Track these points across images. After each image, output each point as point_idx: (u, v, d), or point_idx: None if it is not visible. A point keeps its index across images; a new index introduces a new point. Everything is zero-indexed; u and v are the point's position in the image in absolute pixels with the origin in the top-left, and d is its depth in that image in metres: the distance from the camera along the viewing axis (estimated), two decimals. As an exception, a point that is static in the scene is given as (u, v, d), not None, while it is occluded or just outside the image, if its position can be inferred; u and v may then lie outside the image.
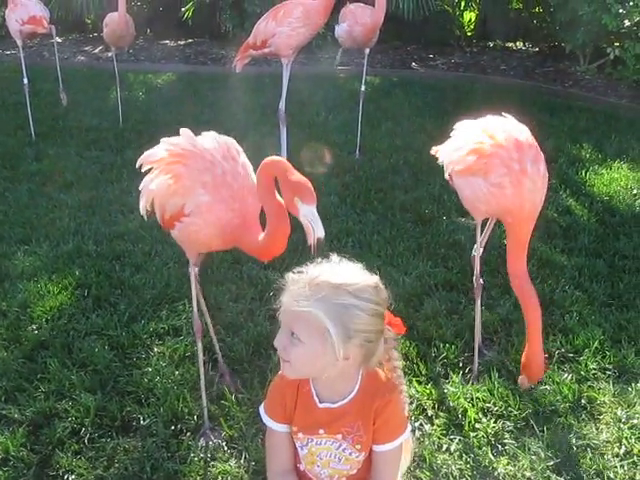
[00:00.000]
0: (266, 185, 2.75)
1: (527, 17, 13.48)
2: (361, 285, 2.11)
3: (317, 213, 2.53)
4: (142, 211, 3.31)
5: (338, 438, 2.28)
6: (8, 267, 4.95)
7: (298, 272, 2.13)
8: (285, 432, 2.34)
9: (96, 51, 13.26)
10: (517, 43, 13.92)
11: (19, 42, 7.86)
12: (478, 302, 3.84)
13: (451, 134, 3.74)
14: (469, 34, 14.27)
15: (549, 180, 3.44)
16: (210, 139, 3.21)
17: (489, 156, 3.32)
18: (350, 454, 2.29)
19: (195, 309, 3.43)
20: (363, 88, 7.35)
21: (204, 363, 3.83)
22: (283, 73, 6.24)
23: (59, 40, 13.88)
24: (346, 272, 2.13)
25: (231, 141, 3.22)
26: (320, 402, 2.27)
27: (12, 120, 8.69)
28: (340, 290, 2.06)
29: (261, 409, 2.37)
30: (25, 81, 7.79)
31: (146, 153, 3.29)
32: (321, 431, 2.28)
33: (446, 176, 3.74)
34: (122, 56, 12.50)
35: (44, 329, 4.21)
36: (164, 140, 3.26)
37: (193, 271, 3.36)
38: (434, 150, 3.90)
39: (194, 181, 3.05)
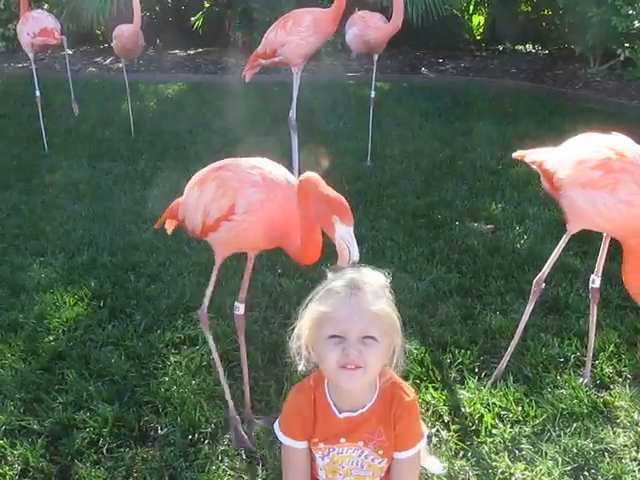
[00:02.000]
0: (304, 202, 2.71)
1: (536, 20, 13.49)
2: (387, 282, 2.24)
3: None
4: (179, 219, 3.36)
5: (360, 445, 2.29)
6: (24, 279, 4.98)
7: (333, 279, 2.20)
8: (303, 448, 2.34)
9: (107, 62, 13.35)
10: (527, 46, 13.94)
11: (31, 55, 7.95)
12: (530, 306, 3.81)
13: (563, 144, 3.64)
14: (478, 38, 14.29)
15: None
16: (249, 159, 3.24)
17: (618, 172, 3.29)
18: (372, 460, 2.31)
19: (205, 304, 3.44)
20: (373, 94, 7.38)
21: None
22: (293, 81, 6.27)
23: (70, 52, 13.99)
24: (373, 270, 2.25)
25: (269, 160, 3.24)
26: (340, 412, 2.28)
27: (25, 133, 8.78)
28: (386, 289, 2.20)
29: (276, 427, 2.37)
30: (37, 94, 7.89)
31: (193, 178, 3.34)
32: (342, 440, 2.29)
33: (544, 185, 3.68)
34: (133, 67, 12.57)
35: (61, 340, 4.24)
36: None
37: (216, 270, 3.36)
38: (518, 154, 3.84)
39: (242, 182, 3.07)
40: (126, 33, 7.97)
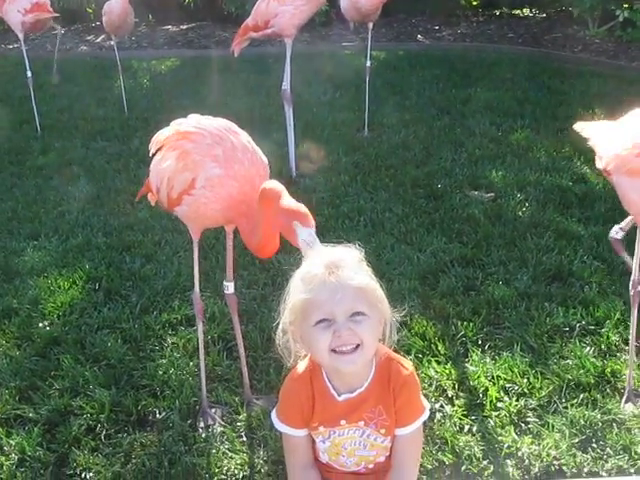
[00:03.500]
0: (265, 208, 2.70)
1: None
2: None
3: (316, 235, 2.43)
4: (153, 191, 3.28)
5: (360, 425, 2.23)
6: (18, 264, 4.90)
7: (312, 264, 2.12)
8: (303, 435, 2.29)
9: (98, 40, 13.15)
10: (524, 10, 13.69)
11: (21, 35, 7.72)
12: (635, 311, 3.44)
13: (620, 120, 3.27)
14: (475, 3, 14.05)
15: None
16: (212, 119, 3.16)
17: None
18: (375, 439, 2.25)
19: (197, 288, 3.39)
20: (369, 63, 7.23)
21: (220, 351, 3.81)
22: (286, 53, 6.13)
23: (62, 31, 13.81)
24: (344, 247, 2.18)
25: (230, 122, 3.16)
26: (339, 395, 2.21)
27: (17, 114, 8.61)
28: (363, 263, 2.13)
29: (274, 417, 2.31)
30: (29, 74, 7.70)
31: (154, 136, 3.25)
32: (342, 422, 2.22)
33: (600, 166, 3.32)
34: (125, 44, 12.41)
35: (56, 325, 4.17)
36: (172, 122, 3.20)
37: (196, 249, 3.33)
38: (579, 127, 3.48)
39: (204, 155, 3.00)
40: (115, 9, 7.81)
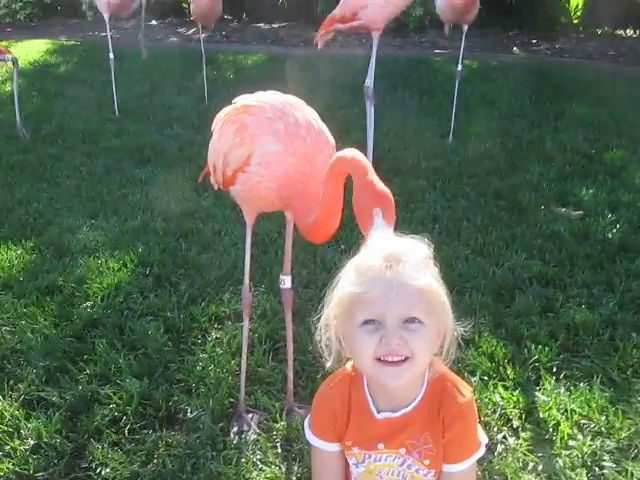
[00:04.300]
0: (335, 176, 2.31)
1: (637, 3, 12.59)
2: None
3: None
4: (211, 170, 2.99)
5: (401, 453, 1.84)
6: (71, 241, 4.70)
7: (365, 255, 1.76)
8: (336, 451, 1.93)
9: (189, 33, 13.11)
10: (627, 30, 13.05)
11: (106, 16, 7.71)
12: None
13: None
14: (575, 21, 13.48)
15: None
16: (278, 94, 2.84)
17: None
18: (417, 471, 1.86)
19: (247, 280, 3.06)
20: (460, 67, 6.84)
21: (266, 352, 3.50)
22: (372, 48, 5.80)
23: (154, 22, 13.87)
24: (411, 239, 1.79)
25: (298, 99, 2.83)
26: (378, 412, 1.85)
27: (98, 98, 8.64)
28: (431, 259, 1.77)
29: (306, 425, 1.97)
30: (111, 56, 7.67)
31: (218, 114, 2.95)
32: (380, 445, 1.85)
33: None
34: (215, 38, 12.35)
35: (98, 307, 3.92)
36: (236, 98, 2.90)
37: (249, 235, 3.00)
38: None
39: (263, 129, 2.69)
40: (203, -1, 7.68)
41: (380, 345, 1.69)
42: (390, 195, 2.09)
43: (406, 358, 1.69)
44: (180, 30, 13.49)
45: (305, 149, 2.66)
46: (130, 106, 8.17)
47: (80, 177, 5.98)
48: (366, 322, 1.70)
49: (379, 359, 1.70)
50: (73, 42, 12.50)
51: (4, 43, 8.29)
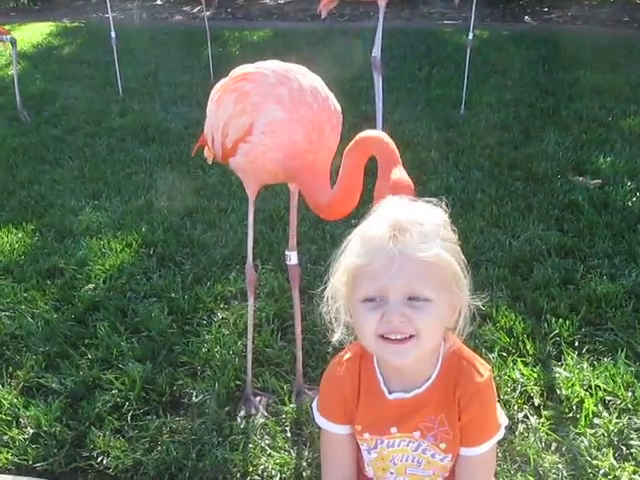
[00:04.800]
0: (361, 154, 2.18)
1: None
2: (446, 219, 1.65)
3: None
4: (208, 143, 2.84)
5: (416, 437, 1.72)
6: (73, 223, 4.57)
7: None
8: (346, 434, 1.80)
9: (194, 11, 12.91)
10: (642, -4, 12.76)
11: (106, -5, 7.53)
12: None
13: None
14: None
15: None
16: (279, 62, 2.66)
17: None
18: (433, 456, 1.73)
19: (250, 258, 2.90)
20: (471, 36, 6.63)
21: (273, 331, 3.36)
22: (379, 18, 5.60)
23: (159, 2, 13.69)
24: (426, 205, 1.67)
25: (301, 66, 2.66)
26: (390, 392, 1.70)
27: (102, 77, 8.51)
28: (447, 226, 1.64)
29: (314, 407, 1.84)
30: (113, 35, 7.48)
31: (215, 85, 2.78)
32: (393, 429, 1.72)
33: None
34: (219, 15, 12.15)
35: (100, 289, 3.79)
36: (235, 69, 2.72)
37: (252, 210, 2.83)
38: None
39: (265, 96, 2.51)
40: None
41: (382, 322, 1.55)
42: (411, 185, 1.96)
43: (411, 336, 1.55)
44: (185, 9, 13.29)
45: (312, 116, 2.50)
46: (134, 85, 8.02)
47: (83, 158, 5.84)
48: (367, 299, 1.56)
49: (382, 336, 1.56)
50: (77, 24, 12.33)
51: (6, 27, 8.13)
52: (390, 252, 1.53)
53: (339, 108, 2.60)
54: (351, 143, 2.16)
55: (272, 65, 2.63)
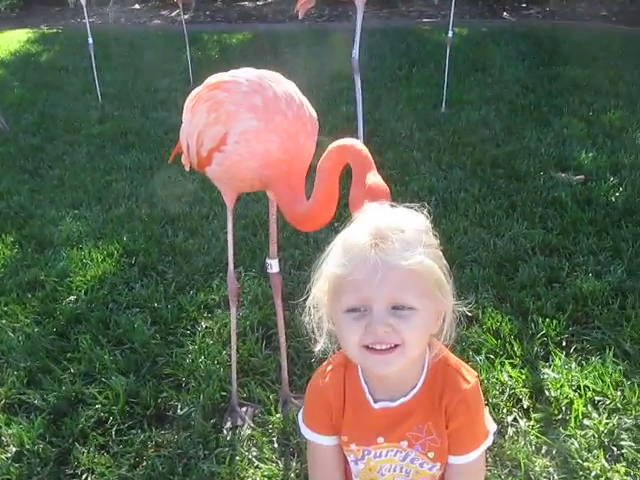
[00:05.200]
0: (335, 164, 2.16)
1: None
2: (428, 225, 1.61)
3: None
4: (184, 151, 2.81)
5: (403, 446, 1.68)
6: (53, 233, 4.51)
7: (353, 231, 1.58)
8: (332, 445, 1.76)
9: (172, 15, 12.84)
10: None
11: (83, 1, 7.43)
12: None
13: None
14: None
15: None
16: (252, 70, 2.64)
17: None
18: (421, 465, 1.69)
19: (231, 267, 2.87)
20: (450, 34, 6.62)
21: (258, 340, 3.32)
22: (357, 18, 5.57)
23: (137, 6, 13.61)
24: (407, 211, 1.62)
25: (275, 73, 2.64)
26: (375, 401, 1.67)
27: (80, 84, 8.46)
28: (429, 232, 1.59)
29: (300, 418, 1.80)
30: (90, 41, 7.39)
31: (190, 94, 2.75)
32: (380, 439, 1.68)
33: None
34: (198, 18, 12.10)
35: (82, 301, 3.74)
36: (209, 78, 2.70)
37: (230, 218, 2.80)
38: None
39: (239, 105, 2.48)
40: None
41: (366, 333, 1.51)
42: (387, 190, 1.95)
43: (396, 345, 1.52)
44: (163, 12, 13.21)
45: (287, 124, 2.47)
46: (113, 91, 7.96)
47: (63, 167, 5.78)
48: (351, 310, 1.53)
49: (366, 346, 1.53)
50: (55, 30, 12.24)
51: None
52: (372, 261, 1.49)
53: (314, 115, 2.58)
54: (325, 153, 2.15)
55: (246, 73, 2.60)
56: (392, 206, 1.65)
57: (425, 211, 1.62)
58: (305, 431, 1.79)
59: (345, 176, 2.15)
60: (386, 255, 1.49)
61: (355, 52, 5.63)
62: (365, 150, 2.05)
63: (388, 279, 1.49)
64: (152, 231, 4.45)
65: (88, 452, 2.73)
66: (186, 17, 8.14)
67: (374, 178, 1.98)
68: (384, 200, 1.85)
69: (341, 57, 8.24)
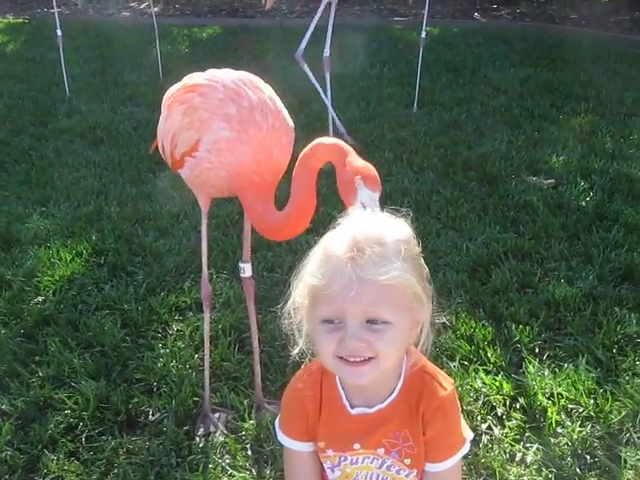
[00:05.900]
0: (311, 169, 2.18)
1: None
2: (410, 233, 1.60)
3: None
4: (160, 149, 2.77)
5: (380, 453, 1.68)
6: (20, 231, 4.41)
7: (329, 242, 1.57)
8: (309, 452, 1.75)
9: (142, 7, 12.70)
10: (589, -8, 12.90)
11: (50, -10, 7.33)
12: None
13: None
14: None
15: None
16: (231, 72, 2.61)
17: None
18: (398, 472, 1.69)
19: (205, 270, 2.83)
20: (424, 34, 6.63)
21: (231, 344, 3.29)
22: (330, 15, 5.57)
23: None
24: (389, 220, 1.62)
25: (253, 76, 2.61)
26: (352, 407, 1.66)
27: (48, 77, 8.25)
28: (410, 240, 1.58)
29: (277, 424, 1.79)
30: (59, 33, 7.27)
31: (166, 92, 2.73)
32: (356, 446, 1.68)
33: None
34: (168, 12, 11.97)
35: (50, 302, 3.67)
36: (186, 77, 2.66)
37: (205, 222, 2.77)
38: None
39: (213, 112, 2.46)
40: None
41: (340, 346, 1.50)
42: (369, 166, 2.02)
43: (370, 358, 1.51)
44: (132, 4, 13.05)
45: (260, 136, 2.46)
46: (81, 85, 7.81)
47: (29, 162, 5.66)
48: (325, 320, 1.51)
49: (340, 357, 1.52)
50: (21, 20, 12.01)
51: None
52: (348, 275, 1.47)
53: (291, 124, 2.57)
54: (297, 164, 2.17)
55: (224, 75, 2.57)
56: (376, 213, 1.64)
57: (406, 217, 1.60)
58: (281, 437, 1.78)
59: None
60: (362, 270, 1.47)
61: (327, 51, 5.64)
62: (343, 143, 2.12)
63: (363, 294, 1.47)
64: (122, 230, 4.38)
65: (57, 459, 2.67)
66: (156, 10, 8.02)
67: (359, 160, 2.05)
68: (370, 172, 1.99)
69: (314, 53, 8.24)
